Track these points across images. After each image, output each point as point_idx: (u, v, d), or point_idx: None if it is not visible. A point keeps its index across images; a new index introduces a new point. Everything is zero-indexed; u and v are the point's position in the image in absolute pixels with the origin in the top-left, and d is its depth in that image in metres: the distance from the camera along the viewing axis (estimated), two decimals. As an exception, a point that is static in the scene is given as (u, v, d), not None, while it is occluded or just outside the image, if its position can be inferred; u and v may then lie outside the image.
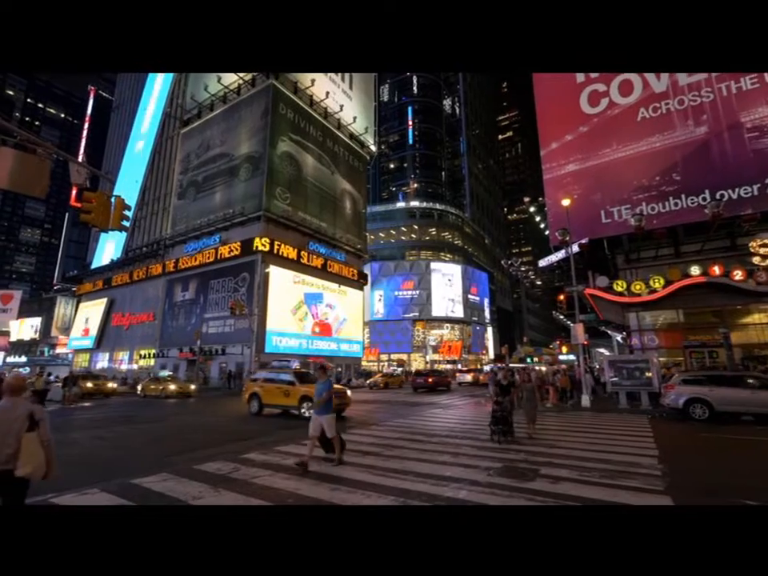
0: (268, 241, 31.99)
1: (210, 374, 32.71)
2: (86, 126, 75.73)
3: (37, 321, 69.43)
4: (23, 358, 64.76)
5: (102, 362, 44.68)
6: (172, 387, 23.58)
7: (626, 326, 21.08)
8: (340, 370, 36.71)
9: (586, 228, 20.61)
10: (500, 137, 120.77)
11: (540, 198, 74.92)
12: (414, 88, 70.29)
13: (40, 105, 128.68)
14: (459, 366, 46.97)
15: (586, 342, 19.11)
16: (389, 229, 61.56)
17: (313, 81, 39.04)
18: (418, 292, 53.85)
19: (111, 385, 24.61)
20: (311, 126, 39.32)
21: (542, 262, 27.64)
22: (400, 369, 44.07)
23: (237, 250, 32.85)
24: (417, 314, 53.48)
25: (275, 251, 32.41)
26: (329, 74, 42.13)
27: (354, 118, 44.77)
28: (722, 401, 11.41)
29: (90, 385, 23.06)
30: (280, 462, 6.80)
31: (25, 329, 70.68)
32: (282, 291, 32.95)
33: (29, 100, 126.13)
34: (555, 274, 29.33)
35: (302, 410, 12.22)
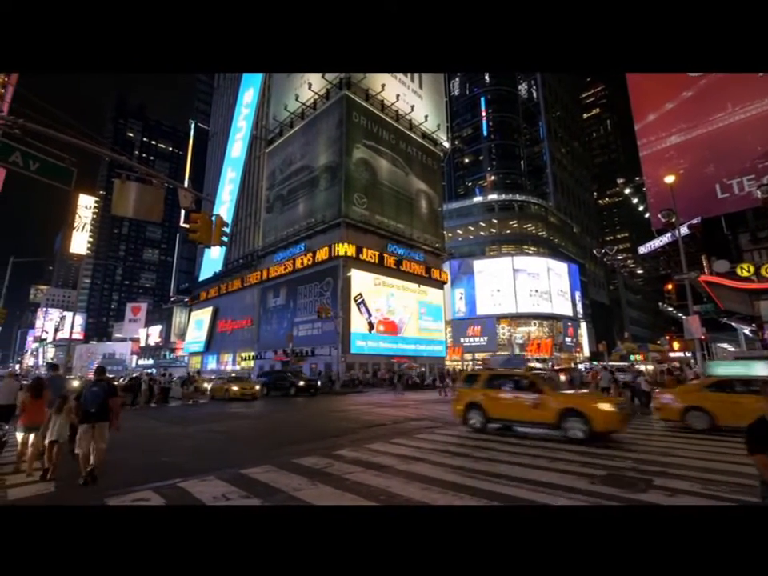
0: (348, 246, 33.28)
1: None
2: (189, 155, 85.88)
3: (159, 328, 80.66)
4: (150, 361, 75.42)
5: (212, 363, 50.21)
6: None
7: (755, 316, 18.03)
8: (423, 369, 36.73)
9: (697, 206, 18.06)
10: (585, 116, 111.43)
11: (636, 178, 67.38)
12: (486, 77, 67.73)
13: (153, 142, 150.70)
14: (551, 365, 44.18)
15: (703, 337, 16.66)
16: (467, 225, 60.02)
17: (383, 85, 39.68)
18: (500, 288, 51.73)
19: None
20: (383, 130, 40.01)
21: (643, 249, 24.92)
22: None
23: (320, 256, 34.70)
24: (501, 310, 51.36)
25: (355, 255, 33.59)
26: (398, 76, 42.51)
27: (426, 117, 44.56)
28: None
29: None
30: (370, 460, 6.99)
31: (151, 336, 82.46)
32: (364, 293, 33.99)
33: (144, 139, 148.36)
34: (659, 260, 26.21)
35: (568, 431, 8.37)
